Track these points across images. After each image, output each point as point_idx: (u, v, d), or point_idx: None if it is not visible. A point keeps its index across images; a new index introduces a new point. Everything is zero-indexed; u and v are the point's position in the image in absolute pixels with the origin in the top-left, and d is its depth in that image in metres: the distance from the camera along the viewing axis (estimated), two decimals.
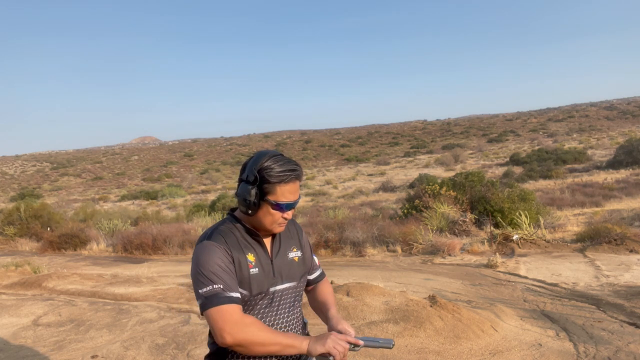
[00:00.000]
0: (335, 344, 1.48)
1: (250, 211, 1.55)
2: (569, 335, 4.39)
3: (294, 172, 1.54)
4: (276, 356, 1.55)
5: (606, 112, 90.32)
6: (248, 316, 1.48)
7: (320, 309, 1.78)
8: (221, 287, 1.45)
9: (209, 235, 1.57)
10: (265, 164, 1.51)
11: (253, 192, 1.51)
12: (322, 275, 1.87)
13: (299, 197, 1.61)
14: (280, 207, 1.55)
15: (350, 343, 1.53)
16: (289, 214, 1.60)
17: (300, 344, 1.47)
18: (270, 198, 1.53)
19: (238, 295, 1.48)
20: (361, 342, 1.55)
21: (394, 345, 1.58)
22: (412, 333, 4.31)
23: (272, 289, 1.60)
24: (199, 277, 1.47)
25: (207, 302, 1.44)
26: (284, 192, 1.53)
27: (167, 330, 4.86)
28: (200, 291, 1.46)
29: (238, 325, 1.42)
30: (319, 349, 1.47)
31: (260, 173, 1.51)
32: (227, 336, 1.41)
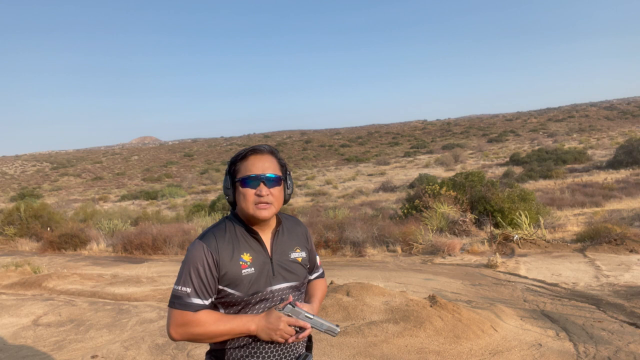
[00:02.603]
0: (280, 335, 1.54)
1: (227, 197, 1.63)
2: (569, 335, 4.39)
3: (256, 147, 1.62)
4: (276, 351, 1.60)
5: (606, 112, 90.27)
6: (201, 317, 1.53)
7: (306, 300, 1.80)
8: (188, 291, 1.53)
9: (203, 234, 1.61)
10: (234, 155, 1.63)
11: (226, 179, 1.63)
12: (321, 275, 1.89)
13: (273, 174, 1.59)
14: (246, 182, 1.57)
15: (297, 326, 1.57)
16: (262, 191, 1.57)
17: (248, 331, 1.54)
18: (237, 177, 1.59)
19: (201, 301, 1.54)
20: (308, 327, 1.58)
21: (337, 333, 1.62)
22: (412, 333, 4.31)
23: (270, 289, 1.60)
24: (179, 273, 1.59)
25: (171, 301, 1.56)
26: (247, 167, 1.58)
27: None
28: (173, 287, 1.58)
29: (184, 327, 1.52)
30: (264, 337, 1.55)
31: (230, 161, 1.63)
32: (173, 333, 1.53)
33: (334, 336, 1.62)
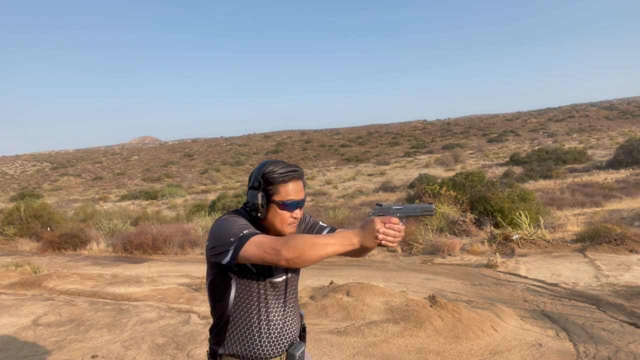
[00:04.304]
0: (383, 235, 1.50)
1: (260, 214, 1.64)
2: (569, 335, 4.39)
3: (294, 172, 1.64)
4: (272, 337, 1.65)
5: (606, 112, 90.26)
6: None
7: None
8: (250, 229, 1.57)
9: (231, 212, 1.69)
10: (268, 170, 1.63)
11: (259, 195, 1.63)
12: (333, 230, 1.85)
13: (305, 197, 1.69)
14: (287, 206, 1.64)
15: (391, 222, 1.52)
16: (297, 214, 1.68)
17: (352, 244, 1.51)
18: (276, 199, 1.63)
19: None
20: (402, 226, 1.53)
21: (435, 211, 1.56)
22: (412, 333, 4.31)
23: (274, 280, 1.69)
24: (230, 229, 1.55)
25: (249, 234, 1.52)
26: (288, 192, 1.63)
27: (167, 330, 4.86)
28: (240, 234, 1.52)
29: (285, 238, 1.50)
30: (371, 244, 1.51)
31: (263, 178, 1.63)
32: (283, 250, 1.46)
33: (432, 215, 1.56)
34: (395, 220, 1.51)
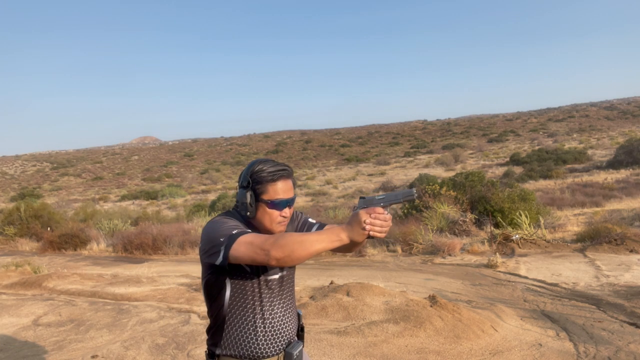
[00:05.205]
0: (370, 225, 1.48)
1: (249, 213, 1.65)
2: (569, 335, 4.39)
3: (283, 171, 1.65)
4: (270, 335, 1.65)
5: (606, 112, 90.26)
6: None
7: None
8: (240, 228, 1.57)
9: (222, 214, 1.70)
10: (257, 168, 1.64)
11: (248, 194, 1.63)
12: (322, 226, 1.82)
13: (294, 196, 1.69)
14: (275, 205, 1.64)
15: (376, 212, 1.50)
16: (286, 212, 1.67)
17: (341, 240, 1.51)
18: (265, 197, 1.63)
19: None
20: (387, 215, 1.51)
21: (415, 194, 1.53)
22: (412, 333, 4.32)
23: (269, 278, 1.69)
24: (220, 229, 1.56)
25: (238, 233, 1.52)
26: (277, 190, 1.64)
27: (167, 330, 4.86)
28: (229, 234, 1.53)
29: (274, 237, 1.49)
30: (360, 238, 1.50)
31: (252, 177, 1.63)
32: (272, 250, 1.45)
33: (414, 198, 1.54)
34: (380, 210, 1.50)
